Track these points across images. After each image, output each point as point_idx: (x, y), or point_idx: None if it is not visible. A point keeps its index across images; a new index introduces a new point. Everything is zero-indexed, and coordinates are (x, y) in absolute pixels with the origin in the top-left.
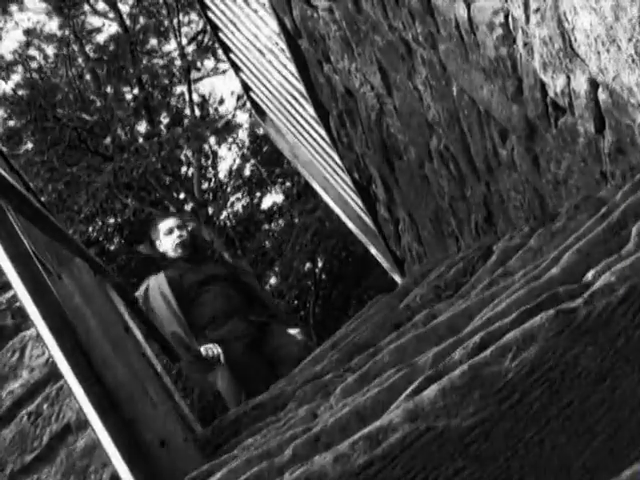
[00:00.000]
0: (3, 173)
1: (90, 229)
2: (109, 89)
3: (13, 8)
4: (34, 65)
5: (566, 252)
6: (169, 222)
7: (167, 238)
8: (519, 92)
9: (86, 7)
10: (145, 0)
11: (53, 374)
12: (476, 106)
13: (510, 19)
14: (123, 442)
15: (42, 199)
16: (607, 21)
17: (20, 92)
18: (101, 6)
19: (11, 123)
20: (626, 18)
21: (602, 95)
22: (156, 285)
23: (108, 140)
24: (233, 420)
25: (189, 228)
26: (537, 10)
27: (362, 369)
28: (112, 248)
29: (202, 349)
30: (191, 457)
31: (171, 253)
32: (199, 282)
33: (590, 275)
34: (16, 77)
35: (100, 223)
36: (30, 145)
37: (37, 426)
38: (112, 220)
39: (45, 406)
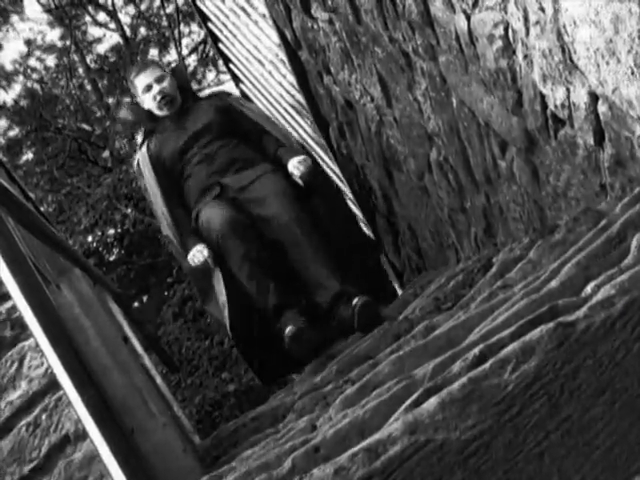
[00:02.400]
0: (3, 183)
1: (89, 239)
2: (110, 100)
3: (14, 18)
4: (35, 75)
5: (565, 265)
6: (145, 77)
7: (147, 95)
8: (519, 104)
9: (87, 17)
10: (146, 11)
11: (52, 385)
12: (476, 118)
13: (510, 31)
14: (122, 453)
15: (42, 209)
16: (607, 34)
17: (21, 102)
18: (102, 16)
19: (11, 133)
20: (625, 31)
21: (602, 107)
22: (142, 168)
23: (107, 153)
24: (232, 431)
25: (170, 76)
26: (537, 23)
27: (361, 380)
28: (111, 259)
29: (189, 257)
30: (190, 468)
31: (157, 111)
32: (180, 151)
33: (589, 288)
34: (17, 87)
35: (100, 233)
36: (30, 155)
37: (36, 437)
38: (112, 231)
39: (44, 417)
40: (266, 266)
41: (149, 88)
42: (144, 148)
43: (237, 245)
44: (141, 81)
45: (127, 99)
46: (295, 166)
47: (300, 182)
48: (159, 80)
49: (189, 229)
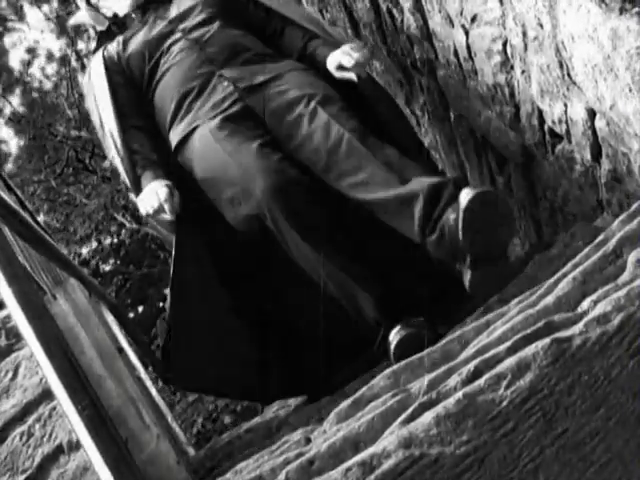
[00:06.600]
0: (0, 193)
1: (85, 250)
2: None
3: (16, 25)
4: (35, 83)
5: (562, 280)
6: None
7: None
8: (517, 119)
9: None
10: None
11: (46, 394)
12: (474, 132)
13: (508, 47)
14: (115, 464)
15: (38, 219)
16: (605, 50)
17: (21, 110)
18: None
19: (14, 143)
20: (623, 47)
21: (599, 123)
22: (92, 79)
23: (107, 164)
24: (226, 443)
25: None
26: (535, 38)
27: (356, 394)
28: (107, 269)
29: (138, 200)
30: None
31: (123, 7)
32: (154, 41)
33: (586, 304)
34: (17, 95)
35: (96, 244)
36: (28, 164)
37: (29, 446)
38: (108, 240)
39: (37, 426)
40: (346, 246)
41: None
42: (99, 53)
43: (296, 223)
44: None
45: None
46: (346, 52)
47: (352, 76)
48: None
49: (148, 159)
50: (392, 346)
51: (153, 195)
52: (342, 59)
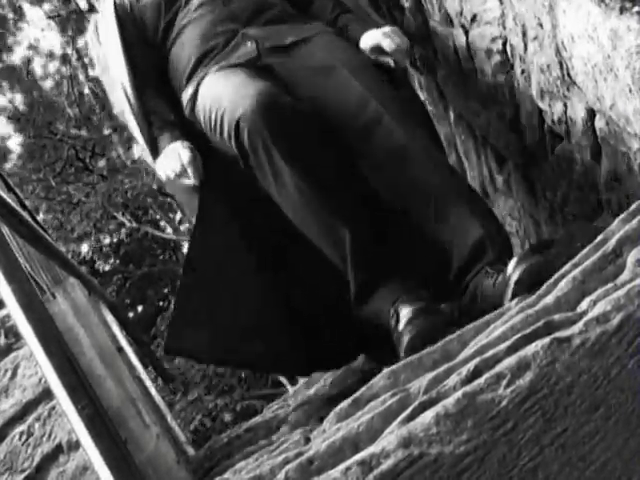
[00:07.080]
0: None
1: (84, 249)
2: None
3: (18, 24)
4: (37, 82)
5: (561, 280)
6: None
7: None
8: (516, 119)
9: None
10: None
11: (45, 394)
12: (473, 132)
13: (508, 46)
14: (115, 463)
15: (38, 217)
16: (604, 50)
17: (21, 109)
18: None
19: (12, 144)
20: (623, 47)
21: (599, 123)
22: (101, 30)
23: (103, 163)
24: (226, 443)
25: None
26: (535, 38)
27: (355, 394)
28: (107, 268)
29: (157, 163)
30: (183, 479)
31: None
32: None
33: (585, 303)
34: (18, 93)
35: (94, 242)
36: (29, 163)
37: (28, 446)
38: (107, 240)
39: (37, 426)
40: (346, 192)
41: None
42: (108, 3)
43: (286, 148)
44: None
45: None
46: (387, 34)
47: (389, 61)
48: None
49: (166, 120)
50: (406, 338)
51: (174, 157)
52: (382, 41)
